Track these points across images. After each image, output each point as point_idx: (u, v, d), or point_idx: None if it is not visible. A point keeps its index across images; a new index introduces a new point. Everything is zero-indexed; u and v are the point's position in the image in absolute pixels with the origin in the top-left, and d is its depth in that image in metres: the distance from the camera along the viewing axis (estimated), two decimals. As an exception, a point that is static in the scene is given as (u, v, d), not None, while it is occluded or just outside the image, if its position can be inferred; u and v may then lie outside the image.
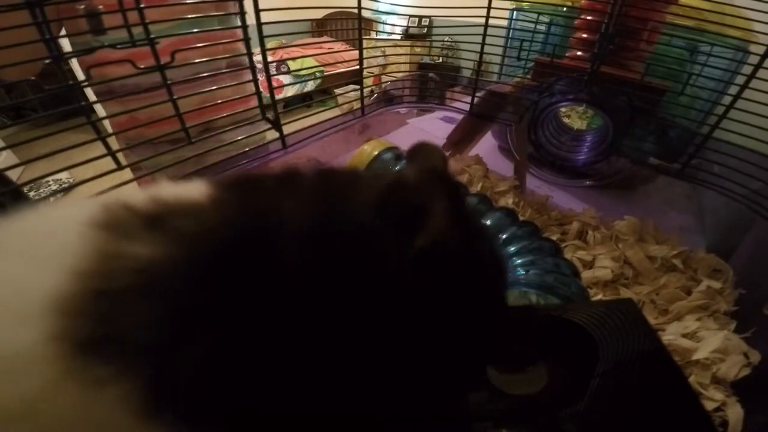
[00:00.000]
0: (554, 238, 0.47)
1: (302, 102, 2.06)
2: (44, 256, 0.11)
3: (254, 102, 0.47)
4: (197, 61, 0.39)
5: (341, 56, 1.65)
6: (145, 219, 0.12)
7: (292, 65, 2.29)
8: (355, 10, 0.51)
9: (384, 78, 0.84)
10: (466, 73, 0.70)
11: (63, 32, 0.35)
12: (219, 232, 0.12)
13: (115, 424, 0.09)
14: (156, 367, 0.10)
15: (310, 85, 2.41)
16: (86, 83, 0.32)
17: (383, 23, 1.73)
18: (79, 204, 0.13)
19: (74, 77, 0.32)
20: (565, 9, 0.62)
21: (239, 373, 0.10)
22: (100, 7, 0.33)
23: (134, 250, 0.11)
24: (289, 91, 2.01)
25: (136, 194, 0.13)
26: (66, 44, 0.37)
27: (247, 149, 0.49)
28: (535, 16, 0.58)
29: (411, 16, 1.71)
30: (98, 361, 0.09)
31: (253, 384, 0.10)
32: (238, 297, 0.11)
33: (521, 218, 0.44)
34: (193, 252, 0.11)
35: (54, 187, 1.38)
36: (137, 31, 0.33)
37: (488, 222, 0.42)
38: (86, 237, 0.11)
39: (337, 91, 2.09)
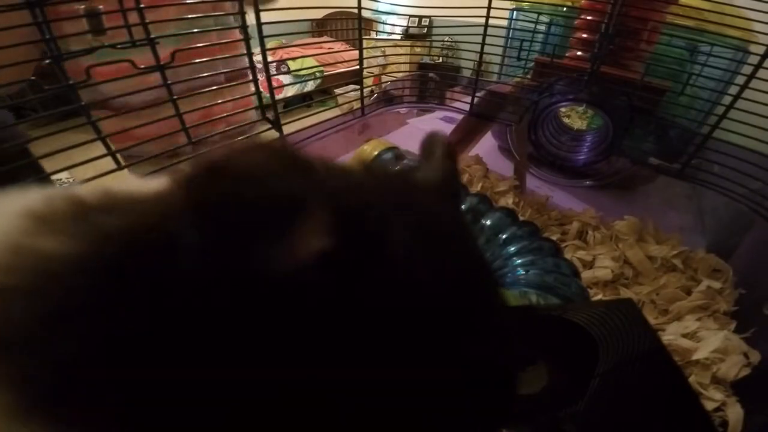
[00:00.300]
0: (554, 238, 0.47)
1: (302, 102, 2.06)
2: None
3: (251, 103, 0.47)
4: (197, 61, 0.39)
5: (341, 56, 1.65)
6: (77, 213, 0.11)
7: (292, 65, 2.29)
8: (355, 10, 0.51)
9: (384, 78, 0.84)
10: (466, 73, 0.70)
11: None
12: (131, 231, 0.11)
13: None
14: (26, 369, 0.10)
15: (310, 85, 2.41)
16: (86, 83, 0.32)
17: (383, 23, 1.73)
18: (28, 193, 0.12)
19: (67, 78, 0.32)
20: (565, 9, 0.62)
21: (108, 375, 0.10)
22: (101, 7, 0.33)
23: (45, 244, 0.10)
24: (289, 91, 2.00)
25: (92, 187, 0.12)
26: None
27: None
28: (535, 16, 0.58)
29: (411, 16, 1.71)
30: None
31: (126, 387, 0.10)
32: (119, 301, 0.10)
33: (521, 218, 0.44)
34: (95, 250, 0.10)
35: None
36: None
37: (488, 222, 0.42)
38: (11, 228, 0.10)
39: (337, 91, 2.09)
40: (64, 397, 0.10)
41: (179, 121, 0.40)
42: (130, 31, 0.33)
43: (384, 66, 1.23)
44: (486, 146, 0.66)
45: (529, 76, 0.58)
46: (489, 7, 0.51)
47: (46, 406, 0.09)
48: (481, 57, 0.56)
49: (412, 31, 2.23)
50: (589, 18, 0.53)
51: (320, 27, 2.66)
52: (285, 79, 2.02)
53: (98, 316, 0.10)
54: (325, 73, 2.35)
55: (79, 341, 0.10)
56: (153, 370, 0.10)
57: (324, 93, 2.47)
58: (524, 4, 0.70)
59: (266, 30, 0.43)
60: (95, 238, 0.11)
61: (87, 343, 0.10)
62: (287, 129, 0.50)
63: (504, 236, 0.41)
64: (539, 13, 0.59)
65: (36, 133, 0.34)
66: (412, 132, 0.69)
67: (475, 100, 0.60)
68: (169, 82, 0.36)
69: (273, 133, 0.49)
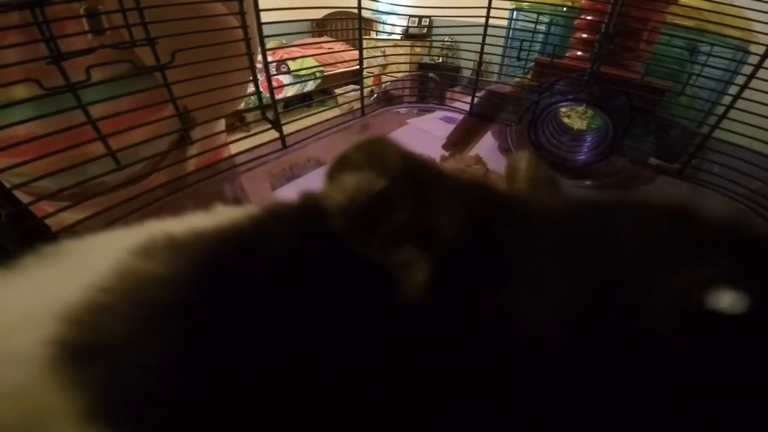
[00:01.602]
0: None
1: (302, 102, 2.06)
2: (82, 270, 0.12)
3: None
4: (197, 61, 0.39)
5: (341, 56, 1.65)
6: (171, 244, 0.13)
7: (292, 65, 2.29)
8: (355, 10, 0.51)
9: (384, 78, 0.84)
10: (466, 73, 0.70)
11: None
12: (201, 255, 0.13)
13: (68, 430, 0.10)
14: (109, 374, 0.10)
15: (310, 85, 2.42)
16: (86, 83, 0.32)
17: (383, 23, 1.73)
18: (134, 231, 0.14)
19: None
20: (565, 9, 0.62)
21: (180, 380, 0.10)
22: (100, 7, 0.33)
23: (143, 267, 0.12)
24: (289, 91, 2.01)
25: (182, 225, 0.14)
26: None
27: (246, 149, 0.49)
28: (535, 16, 0.58)
29: (411, 16, 1.71)
30: (72, 368, 0.10)
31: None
32: (199, 310, 0.11)
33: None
34: (181, 270, 0.12)
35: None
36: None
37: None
38: (120, 258, 0.12)
39: (337, 91, 2.09)
40: (141, 403, 0.10)
41: (180, 122, 0.40)
42: (130, 30, 0.33)
43: (384, 66, 1.23)
44: (486, 146, 0.66)
45: (529, 76, 0.58)
46: (489, 7, 0.51)
47: (121, 412, 0.10)
48: (481, 57, 0.56)
49: (412, 31, 2.23)
50: (589, 18, 0.53)
51: (320, 27, 2.67)
52: (285, 79, 2.02)
53: (181, 324, 0.11)
54: (325, 73, 2.36)
55: (162, 347, 0.11)
56: (240, 370, 0.11)
57: (324, 93, 2.47)
58: (524, 4, 0.70)
59: (266, 30, 0.43)
60: (181, 261, 0.12)
61: (169, 349, 0.11)
62: (287, 129, 0.50)
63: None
64: (539, 13, 0.59)
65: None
66: (412, 132, 0.69)
67: (475, 100, 0.60)
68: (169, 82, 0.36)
69: (273, 133, 0.49)
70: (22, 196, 0.32)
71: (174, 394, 0.10)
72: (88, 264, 0.13)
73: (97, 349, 0.10)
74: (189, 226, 0.14)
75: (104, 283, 0.11)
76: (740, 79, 0.42)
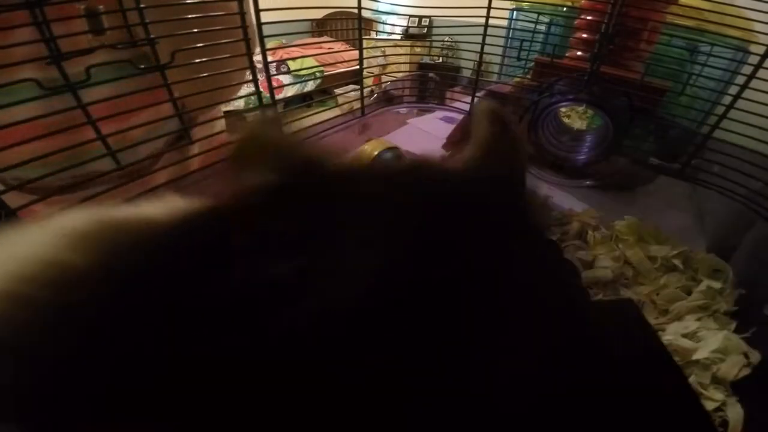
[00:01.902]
0: (554, 238, 0.47)
1: (302, 102, 2.06)
2: (10, 258, 0.12)
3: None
4: (197, 61, 0.39)
5: (341, 56, 1.65)
6: (105, 231, 0.12)
7: (292, 65, 2.29)
8: (355, 10, 0.51)
9: (384, 78, 0.84)
10: (466, 73, 0.70)
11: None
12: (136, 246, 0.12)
13: None
14: (16, 372, 0.10)
15: (310, 85, 2.41)
16: (86, 83, 0.32)
17: (383, 23, 1.73)
18: (76, 214, 0.13)
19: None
20: (565, 9, 0.62)
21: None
22: (101, 7, 0.33)
23: (69, 257, 0.12)
24: (289, 91, 2.00)
25: (128, 210, 0.14)
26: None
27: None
28: (535, 16, 0.58)
29: (411, 16, 1.71)
30: None
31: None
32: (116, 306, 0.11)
33: (521, 218, 0.44)
34: (104, 263, 0.12)
35: (54, 187, 1.38)
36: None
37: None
38: (50, 243, 0.12)
39: (337, 91, 2.09)
40: (43, 399, 0.10)
41: (180, 121, 0.40)
42: (130, 30, 0.33)
43: (384, 66, 1.23)
44: (486, 146, 0.66)
45: (529, 76, 0.58)
46: (489, 7, 0.51)
47: (22, 408, 0.10)
48: (481, 57, 0.56)
49: (412, 31, 2.23)
50: (589, 18, 0.53)
51: (320, 27, 2.66)
52: (285, 79, 2.02)
53: (88, 317, 0.11)
54: (325, 73, 2.35)
55: (66, 341, 0.10)
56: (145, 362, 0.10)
57: (324, 93, 2.47)
58: (524, 4, 0.71)
59: (266, 30, 0.43)
60: (108, 253, 0.12)
61: (74, 343, 0.10)
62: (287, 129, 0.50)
63: (504, 236, 0.41)
64: (539, 13, 0.59)
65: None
66: (412, 132, 0.69)
67: (475, 100, 0.60)
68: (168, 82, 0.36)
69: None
70: (20, 197, 0.32)
71: (75, 388, 0.10)
72: (17, 251, 0.12)
73: (8, 342, 0.10)
74: (135, 213, 0.13)
75: (24, 273, 0.11)
76: (740, 79, 0.42)
